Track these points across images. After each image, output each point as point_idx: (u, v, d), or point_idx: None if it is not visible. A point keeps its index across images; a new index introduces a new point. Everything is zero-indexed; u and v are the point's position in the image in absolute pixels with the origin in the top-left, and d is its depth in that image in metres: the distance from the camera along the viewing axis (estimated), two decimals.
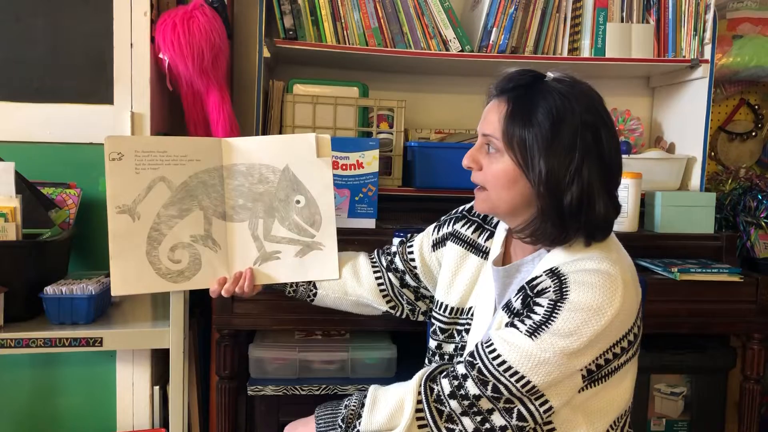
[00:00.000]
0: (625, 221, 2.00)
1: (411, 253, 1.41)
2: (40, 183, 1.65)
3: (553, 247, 1.12)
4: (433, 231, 1.39)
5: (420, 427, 1.06)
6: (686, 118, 2.27)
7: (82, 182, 1.71)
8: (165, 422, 1.71)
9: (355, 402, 1.13)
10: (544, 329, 1.01)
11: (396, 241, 1.51)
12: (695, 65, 2.17)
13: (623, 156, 2.12)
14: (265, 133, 2.08)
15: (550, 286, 1.05)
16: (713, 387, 2.02)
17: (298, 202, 1.40)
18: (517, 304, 1.10)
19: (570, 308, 1.01)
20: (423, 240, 1.41)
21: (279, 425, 1.83)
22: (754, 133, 2.57)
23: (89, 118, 1.74)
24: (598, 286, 1.02)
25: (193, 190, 1.36)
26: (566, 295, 1.02)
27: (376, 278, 1.43)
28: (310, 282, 1.42)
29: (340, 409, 1.14)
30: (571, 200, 1.05)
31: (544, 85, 1.10)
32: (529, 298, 1.08)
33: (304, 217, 1.40)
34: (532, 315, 1.04)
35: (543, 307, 1.03)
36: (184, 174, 1.35)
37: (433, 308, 1.34)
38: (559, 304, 1.02)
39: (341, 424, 1.11)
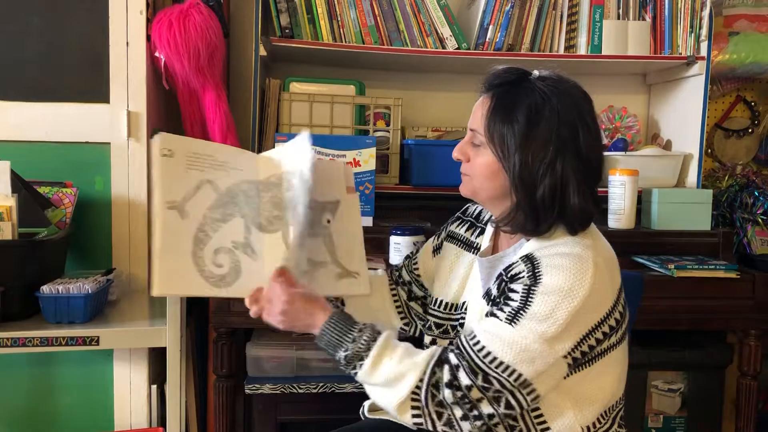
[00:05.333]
0: (622, 218, 2.00)
1: (415, 263, 1.44)
2: (36, 182, 1.64)
3: (531, 237, 1.15)
4: (434, 239, 1.43)
5: (413, 400, 1.08)
6: (683, 115, 2.27)
7: (78, 181, 1.71)
8: (162, 421, 1.71)
9: (363, 344, 1.11)
10: (522, 314, 1.04)
11: (392, 242, 1.48)
12: (691, 62, 2.17)
13: (620, 153, 2.16)
14: (261, 131, 2.08)
15: (523, 271, 1.08)
16: (710, 383, 2.02)
17: (328, 221, 1.40)
18: (494, 291, 1.14)
19: (543, 291, 1.04)
20: (426, 248, 1.44)
21: (277, 423, 1.83)
22: (750, 130, 2.57)
23: (85, 116, 1.73)
24: (568, 268, 1.05)
25: (236, 197, 1.33)
26: (539, 279, 1.06)
27: (393, 294, 1.45)
28: (338, 298, 1.41)
29: (347, 340, 1.12)
30: (544, 193, 1.10)
31: (527, 83, 1.14)
32: (504, 284, 1.11)
33: (334, 238, 1.38)
34: (509, 302, 1.07)
35: (518, 293, 1.07)
36: (228, 180, 1.32)
37: (430, 305, 1.36)
38: (533, 288, 1.05)
39: (342, 359, 1.11)
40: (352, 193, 1.44)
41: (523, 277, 1.07)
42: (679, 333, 2.05)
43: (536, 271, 1.07)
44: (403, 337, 1.42)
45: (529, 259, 1.09)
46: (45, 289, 1.47)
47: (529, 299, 1.05)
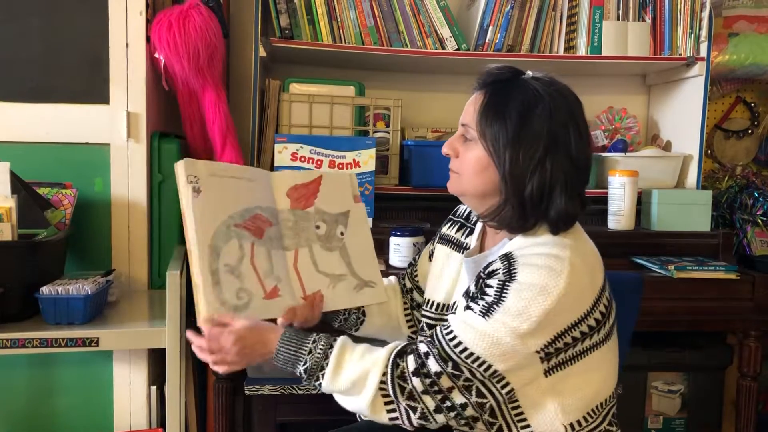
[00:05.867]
0: (622, 219, 2.01)
1: (415, 270, 1.46)
2: (35, 183, 1.64)
3: (515, 235, 1.16)
4: (430, 244, 1.45)
5: (384, 395, 1.08)
6: (682, 116, 2.27)
7: (78, 182, 1.71)
8: (162, 422, 1.71)
9: (319, 353, 1.12)
10: (495, 308, 1.05)
11: (392, 244, 1.49)
12: (691, 63, 2.17)
13: (620, 154, 2.16)
14: (261, 132, 2.08)
15: (500, 268, 1.09)
16: (710, 384, 2.02)
17: (342, 233, 1.40)
18: (472, 288, 1.15)
19: (518, 288, 1.05)
20: (423, 254, 1.46)
21: (276, 424, 1.83)
22: (750, 131, 2.57)
23: (85, 118, 1.73)
24: (544, 267, 1.05)
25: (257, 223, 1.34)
26: (515, 276, 1.06)
27: (404, 302, 1.47)
28: (359, 309, 1.42)
29: (303, 355, 1.12)
30: (532, 190, 1.10)
31: (520, 81, 1.15)
32: (481, 280, 1.12)
33: (348, 249, 1.40)
34: (484, 297, 1.08)
35: (493, 287, 1.07)
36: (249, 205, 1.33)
37: (423, 306, 1.37)
38: (507, 284, 1.06)
39: (303, 373, 1.11)
40: (359, 201, 1.45)
41: (499, 273, 1.08)
42: (679, 334, 2.04)
43: (512, 268, 1.07)
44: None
45: (507, 258, 1.10)
46: (44, 290, 1.47)
47: (503, 294, 1.05)
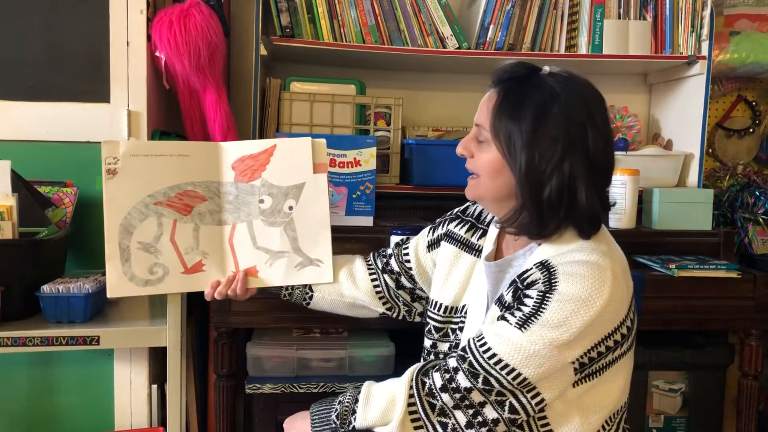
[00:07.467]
0: (623, 218, 2.00)
1: (407, 254, 1.42)
2: (36, 182, 1.64)
3: (540, 240, 1.13)
4: (429, 232, 1.41)
5: (413, 420, 1.07)
6: (684, 114, 2.27)
7: (78, 181, 1.71)
8: (163, 421, 1.71)
9: (349, 398, 1.14)
10: (533, 321, 1.02)
11: (392, 243, 1.51)
12: (692, 62, 2.17)
13: (621, 153, 2.16)
14: (262, 131, 2.07)
15: (539, 278, 1.06)
16: (711, 383, 2.02)
17: (290, 207, 1.38)
18: (508, 298, 1.11)
19: (559, 299, 1.02)
20: (418, 241, 1.42)
21: (277, 423, 1.83)
22: (751, 130, 2.57)
23: (86, 116, 1.73)
24: (587, 277, 1.02)
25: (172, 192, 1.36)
26: (555, 286, 1.03)
27: (372, 280, 1.43)
28: (305, 285, 1.42)
29: (335, 405, 1.15)
30: (550, 193, 1.06)
31: (537, 79, 1.11)
32: (519, 291, 1.09)
33: (296, 225, 1.39)
34: (522, 307, 1.05)
35: (532, 298, 1.04)
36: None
37: (428, 307, 1.34)
38: (548, 295, 1.03)
39: (335, 420, 1.13)
40: (322, 171, 1.39)
41: (538, 284, 1.05)
42: (680, 333, 2.04)
43: (552, 279, 1.04)
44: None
45: (545, 267, 1.06)
46: (45, 288, 1.47)
47: (543, 306, 1.02)
